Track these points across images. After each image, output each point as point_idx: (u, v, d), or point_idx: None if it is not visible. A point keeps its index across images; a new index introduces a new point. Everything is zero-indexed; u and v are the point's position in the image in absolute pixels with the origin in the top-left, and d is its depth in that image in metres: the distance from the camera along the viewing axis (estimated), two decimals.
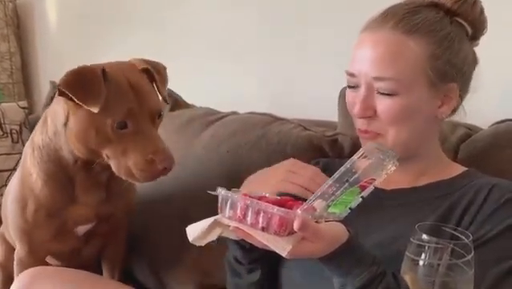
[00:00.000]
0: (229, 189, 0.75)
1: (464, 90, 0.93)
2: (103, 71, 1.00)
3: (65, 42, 2.42)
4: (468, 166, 0.98)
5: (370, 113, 0.90)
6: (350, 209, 0.76)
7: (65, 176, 1.13)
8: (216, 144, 1.34)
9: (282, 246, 0.69)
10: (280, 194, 0.85)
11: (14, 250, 1.24)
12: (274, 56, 1.69)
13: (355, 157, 0.77)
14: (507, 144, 1.04)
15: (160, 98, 1.11)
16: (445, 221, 0.83)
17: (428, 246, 0.69)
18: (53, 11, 2.47)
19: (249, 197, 0.72)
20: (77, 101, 0.98)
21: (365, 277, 0.74)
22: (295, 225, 0.68)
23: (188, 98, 1.66)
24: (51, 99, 1.16)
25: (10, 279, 1.25)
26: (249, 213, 0.71)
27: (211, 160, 1.32)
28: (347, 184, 0.74)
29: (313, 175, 0.93)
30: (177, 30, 1.95)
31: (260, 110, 1.42)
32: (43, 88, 2.38)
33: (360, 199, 0.76)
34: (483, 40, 0.95)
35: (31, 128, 1.24)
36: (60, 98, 1.05)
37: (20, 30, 2.56)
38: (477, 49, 0.95)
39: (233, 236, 0.77)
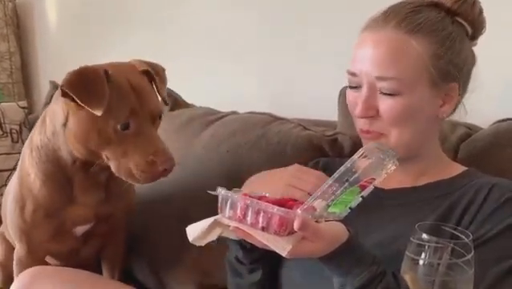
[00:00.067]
0: (229, 188, 0.75)
1: (463, 89, 0.93)
2: (106, 72, 1.00)
3: (65, 41, 2.42)
4: (468, 166, 0.98)
5: (372, 113, 0.89)
6: (350, 208, 0.76)
7: (63, 176, 1.13)
8: (216, 144, 1.34)
9: (282, 246, 0.69)
10: None
11: (14, 249, 1.24)
12: (274, 56, 1.69)
13: (355, 157, 0.77)
14: (507, 144, 1.04)
15: (160, 99, 1.11)
16: (445, 221, 0.83)
17: (428, 246, 0.69)
18: (52, 11, 2.47)
19: (249, 196, 0.72)
20: (80, 103, 0.98)
21: (365, 276, 0.74)
22: (295, 225, 0.68)
23: (188, 98, 1.66)
24: (51, 98, 1.16)
25: (10, 278, 1.26)
26: (249, 213, 0.71)
27: (211, 160, 1.32)
28: (347, 183, 0.74)
29: (317, 180, 0.92)
30: (177, 30, 1.95)
31: (260, 110, 1.42)
32: (43, 88, 2.38)
33: (360, 199, 0.76)
34: (483, 40, 0.95)
35: (31, 128, 1.24)
36: (59, 98, 1.05)
37: (20, 29, 2.56)
38: (477, 48, 0.95)
39: (233, 236, 0.77)
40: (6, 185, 1.41)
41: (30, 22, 2.55)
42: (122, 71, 1.04)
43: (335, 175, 0.75)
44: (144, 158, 1.01)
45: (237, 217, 0.72)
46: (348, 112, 0.97)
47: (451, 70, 0.89)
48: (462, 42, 0.91)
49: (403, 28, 0.87)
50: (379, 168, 0.78)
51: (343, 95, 1.26)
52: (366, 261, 0.75)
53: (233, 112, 1.47)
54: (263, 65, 1.72)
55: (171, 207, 1.33)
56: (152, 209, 1.36)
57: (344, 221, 0.76)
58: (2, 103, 1.90)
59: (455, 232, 0.73)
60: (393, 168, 0.79)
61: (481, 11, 0.94)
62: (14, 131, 1.83)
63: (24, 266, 1.18)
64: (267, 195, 0.76)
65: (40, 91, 2.51)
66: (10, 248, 1.31)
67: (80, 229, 1.19)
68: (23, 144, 1.23)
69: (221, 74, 1.81)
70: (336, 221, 0.75)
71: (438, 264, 0.69)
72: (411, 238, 0.71)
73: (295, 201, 0.76)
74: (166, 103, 1.16)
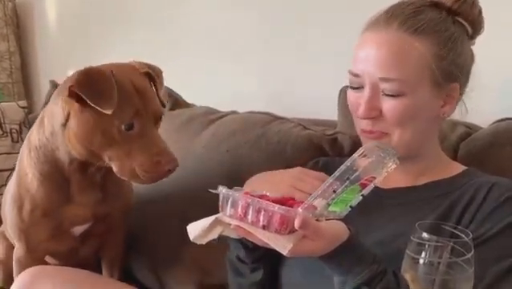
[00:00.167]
0: (229, 187, 0.75)
1: (463, 89, 0.93)
2: (111, 72, 1.01)
3: (65, 41, 2.42)
4: (468, 165, 0.98)
5: (375, 114, 0.89)
6: (350, 207, 0.76)
7: (61, 176, 1.13)
8: (216, 144, 1.34)
9: (282, 245, 0.69)
10: None
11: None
12: (274, 56, 1.69)
13: (355, 155, 0.77)
14: (507, 143, 1.05)
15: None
16: (445, 220, 0.83)
17: (429, 245, 0.70)
18: (52, 11, 2.47)
19: (250, 195, 0.72)
20: (90, 103, 0.98)
21: (366, 275, 0.74)
22: (296, 224, 0.68)
23: (188, 97, 1.66)
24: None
25: (10, 277, 1.26)
26: (250, 212, 0.71)
27: (211, 160, 1.32)
28: (347, 182, 0.74)
29: (320, 183, 0.92)
30: (177, 30, 1.95)
31: (260, 109, 1.42)
32: (43, 88, 2.37)
33: (361, 197, 0.77)
34: (483, 39, 0.95)
35: (30, 128, 1.25)
36: (59, 98, 1.05)
37: (19, 29, 2.55)
38: (477, 48, 0.95)
39: (234, 234, 0.77)
40: (5, 184, 1.41)
41: (29, 21, 2.55)
42: (125, 72, 1.05)
43: (336, 173, 0.75)
44: (149, 158, 1.01)
45: (238, 215, 0.72)
46: (348, 112, 0.97)
47: (453, 70, 0.89)
48: (463, 42, 0.91)
49: (406, 29, 0.87)
50: (379, 167, 0.78)
51: (343, 94, 1.26)
52: (366, 260, 0.75)
53: (233, 112, 1.48)
54: (263, 65, 1.73)
55: (171, 206, 1.33)
56: (151, 208, 1.36)
57: (345, 219, 0.76)
58: (2, 103, 1.90)
59: (455, 231, 0.73)
60: (393, 166, 0.79)
61: (480, 11, 0.94)
62: (14, 131, 1.83)
63: (23, 265, 1.18)
64: (268, 194, 0.76)
65: (40, 90, 2.50)
66: (11, 247, 1.31)
67: (78, 229, 1.19)
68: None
69: (221, 74, 1.81)
70: (337, 219, 0.75)
71: (438, 263, 0.69)
72: (411, 237, 0.72)
73: (296, 199, 0.76)
74: (164, 106, 1.16)
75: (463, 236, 0.71)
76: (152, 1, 2.02)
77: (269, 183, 0.95)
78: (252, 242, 0.74)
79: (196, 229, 0.76)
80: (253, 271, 0.96)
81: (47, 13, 2.48)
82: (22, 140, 1.78)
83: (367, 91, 0.89)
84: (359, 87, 0.91)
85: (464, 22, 0.92)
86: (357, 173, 0.75)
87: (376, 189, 0.79)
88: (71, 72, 1.03)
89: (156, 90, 1.11)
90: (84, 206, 1.16)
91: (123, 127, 1.01)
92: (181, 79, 1.54)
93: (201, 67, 1.85)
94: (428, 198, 0.91)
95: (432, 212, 0.87)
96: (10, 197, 1.19)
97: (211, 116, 1.45)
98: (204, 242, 0.77)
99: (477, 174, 0.94)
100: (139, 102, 1.03)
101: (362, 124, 0.92)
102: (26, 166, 1.16)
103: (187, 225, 0.78)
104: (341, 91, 1.28)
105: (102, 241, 1.28)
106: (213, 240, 0.77)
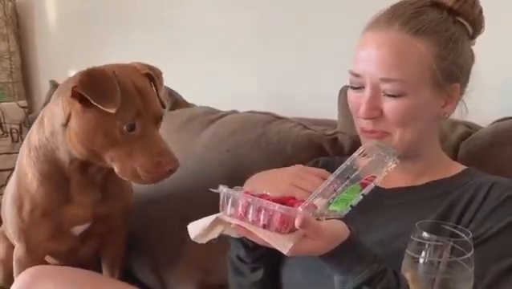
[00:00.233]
0: (230, 187, 0.75)
1: (464, 89, 0.93)
2: (113, 73, 1.01)
3: (65, 41, 2.42)
4: (468, 164, 0.98)
5: (376, 114, 0.89)
6: (351, 206, 0.77)
7: (60, 176, 1.13)
8: (216, 143, 1.34)
9: (283, 244, 0.69)
10: None
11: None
12: (274, 56, 1.69)
13: (355, 154, 0.77)
14: (507, 142, 1.04)
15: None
16: (445, 220, 0.83)
17: (429, 244, 0.69)
18: (52, 10, 2.47)
19: (251, 194, 0.72)
20: (94, 102, 0.98)
21: (366, 274, 0.74)
22: (296, 223, 0.68)
23: (188, 97, 1.66)
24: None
25: (11, 277, 1.26)
26: (251, 211, 0.71)
27: (211, 159, 1.32)
28: (347, 181, 0.74)
29: (320, 180, 0.92)
30: (177, 30, 1.95)
31: (260, 109, 1.42)
32: (43, 88, 2.38)
33: (361, 197, 0.77)
34: (484, 39, 0.95)
35: (31, 128, 1.25)
36: (59, 98, 1.05)
37: (20, 29, 2.56)
38: (477, 48, 0.95)
39: (234, 234, 0.77)
40: (6, 184, 1.41)
41: (29, 21, 2.55)
42: (126, 73, 1.05)
43: (336, 172, 0.75)
44: (150, 159, 1.02)
45: (238, 214, 0.72)
46: (348, 112, 0.97)
47: (454, 70, 0.89)
48: (464, 42, 0.91)
49: (407, 30, 0.87)
50: (379, 166, 0.78)
51: (343, 94, 1.26)
52: (367, 259, 0.75)
53: (234, 112, 1.48)
54: (263, 65, 1.73)
55: (171, 206, 1.33)
56: (152, 208, 1.36)
57: (345, 219, 0.76)
58: (2, 103, 1.90)
59: (455, 230, 0.73)
60: (394, 166, 0.79)
61: (480, 11, 0.94)
62: (14, 130, 1.83)
63: (23, 265, 1.18)
64: (268, 193, 0.76)
65: (40, 90, 2.51)
66: (11, 247, 1.31)
67: (78, 229, 1.19)
68: None
69: (221, 74, 1.82)
70: (337, 219, 0.76)
71: (438, 262, 0.69)
72: (411, 237, 0.71)
73: (296, 199, 0.76)
74: (164, 106, 1.17)
75: (463, 235, 0.71)
76: (152, 1, 2.02)
77: (269, 182, 0.95)
78: (252, 242, 0.74)
79: (196, 229, 0.77)
80: (254, 271, 0.96)
81: (47, 12, 2.48)
82: (22, 140, 1.78)
83: (367, 92, 0.89)
84: (360, 87, 0.91)
85: (464, 22, 0.92)
86: (357, 172, 0.75)
87: (377, 189, 0.79)
88: (71, 72, 1.04)
89: (157, 91, 1.11)
90: (84, 206, 1.17)
91: (124, 127, 1.01)
92: (181, 79, 1.54)
93: (201, 67, 1.85)
94: (429, 198, 0.91)
95: (433, 211, 0.87)
96: (10, 197, 1.20)
97: (211, 116, 1.45)
98: (204, 241, 0.77)
99: (478, 174, 0.94)
100: (140, 103, 1.03)
101: (363, 124, 0.92)
102: (26, 166, 1.16)
103: (187, 224, 0.78)
104: (341, 90, 1.28)
105: (102, 241, 1.28)
106: (214, 239, 0.77)
